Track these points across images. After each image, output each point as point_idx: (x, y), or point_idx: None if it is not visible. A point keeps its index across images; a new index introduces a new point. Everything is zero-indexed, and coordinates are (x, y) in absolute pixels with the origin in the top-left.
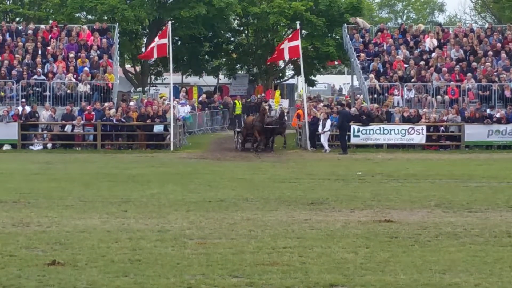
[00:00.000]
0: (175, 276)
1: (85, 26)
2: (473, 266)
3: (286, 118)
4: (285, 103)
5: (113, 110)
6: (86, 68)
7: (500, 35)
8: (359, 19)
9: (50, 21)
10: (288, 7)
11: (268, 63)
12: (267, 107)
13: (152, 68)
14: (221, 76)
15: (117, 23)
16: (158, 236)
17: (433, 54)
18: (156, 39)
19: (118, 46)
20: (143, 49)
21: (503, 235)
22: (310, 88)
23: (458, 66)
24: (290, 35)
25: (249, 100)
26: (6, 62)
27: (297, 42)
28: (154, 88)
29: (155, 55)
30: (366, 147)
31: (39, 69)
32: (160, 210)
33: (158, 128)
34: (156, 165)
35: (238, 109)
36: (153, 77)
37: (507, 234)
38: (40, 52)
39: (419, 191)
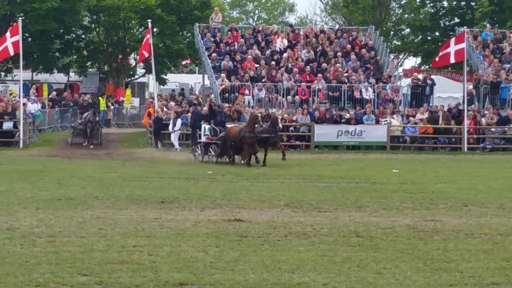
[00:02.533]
0: (23, 275)
1: None
2: (322, 266)
3: (280, 126)
4: (136, 101)
5: None
6: None
7: (350, 36)
8: (220, 13)
9: None
10: (138, 2)
11: (139, 62)
12: (258, 115)
13: (2, 64)
14: (71, 74)
15: None
16: (6, 234)
17: (284, 55)
18: (8, 36)
19: None
20: None
21: (352, 235)
22: (161, 86)
23: (308, 66)
24: (147, 34)
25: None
26: None
27: (150, 41)
28: (4, 84)
29: (11, 53)
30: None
31: None
32: (9, 207)
33: (7, 125)
34: (4, 162)
35: (103, 105)
36: (2, 73)
37: (356, 233)
38: None
39: (269, 190)
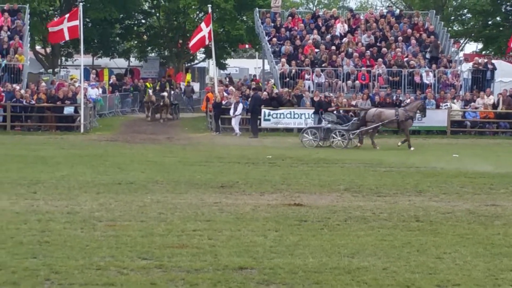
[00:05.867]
0: (84, 258)
1: None
2: (381, 250)
3: None
4: (196, 86)
5: (23, 91)
6: None
7: (409, 21)
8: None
9: None
10: None
11: (191, 49)
12: None
13: (63, 49)
14: (132, 59)
15: (28, 4)
16: (67, 218)
17: (344, 39)
18: (65, 21)
19: (28, 27)
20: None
21: (411, 220)
22: (221, 71)
23: (368, 51)
24: (203, 21)
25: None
26: None
27: (210, 27)
28: (65, 69)
29: (66, 37)
30: (277, 131)
31: None
32: (70, 192)
33: (68, 110)
34: (66, 147)
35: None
36: (63, 58)
37: (415, 218)
38: None
39: (329, 175)
